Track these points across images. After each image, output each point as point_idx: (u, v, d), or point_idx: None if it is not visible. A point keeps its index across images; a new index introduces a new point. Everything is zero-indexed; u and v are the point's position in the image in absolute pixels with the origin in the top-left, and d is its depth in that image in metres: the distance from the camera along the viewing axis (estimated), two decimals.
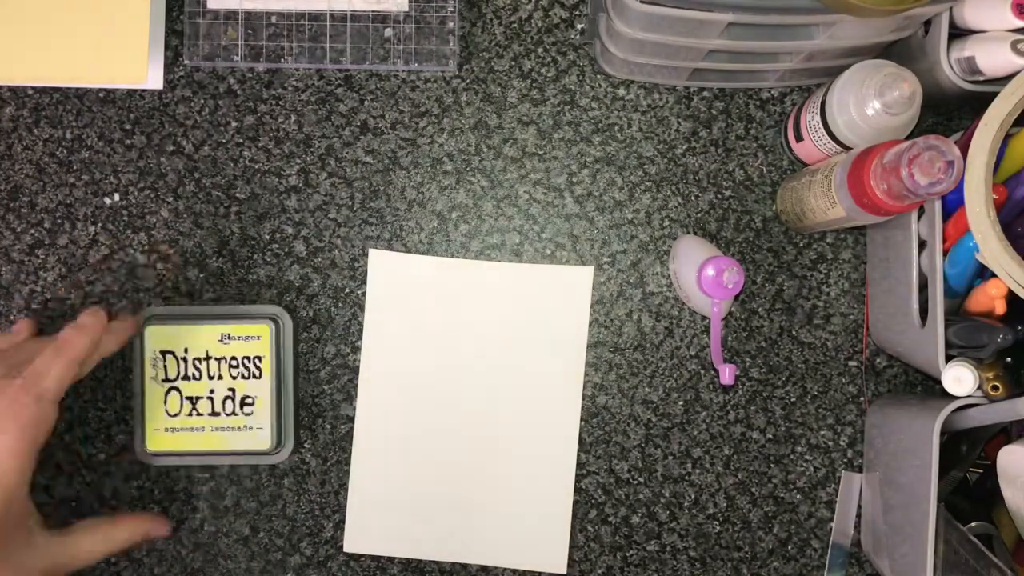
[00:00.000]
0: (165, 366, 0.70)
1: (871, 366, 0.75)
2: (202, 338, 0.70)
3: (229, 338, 0.70)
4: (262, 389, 0.70)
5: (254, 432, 0.70)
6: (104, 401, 0.74)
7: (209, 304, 0.74)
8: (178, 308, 0.73)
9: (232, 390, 0.70)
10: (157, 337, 0.70)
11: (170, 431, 0.70)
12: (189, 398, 0.70)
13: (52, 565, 0.62)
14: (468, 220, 0.75)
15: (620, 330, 0.75)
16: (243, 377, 0.70)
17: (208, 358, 0.70)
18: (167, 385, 0.70)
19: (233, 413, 0.70)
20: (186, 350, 0.70)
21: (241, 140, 0.75)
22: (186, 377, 0.70)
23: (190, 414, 0.70)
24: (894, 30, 0.65)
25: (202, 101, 0.75)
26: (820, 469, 0.75)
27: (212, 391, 0.70)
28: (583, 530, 0.75)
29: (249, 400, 0.70)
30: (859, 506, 0.75)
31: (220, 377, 0.70)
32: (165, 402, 0.70)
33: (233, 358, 0.70)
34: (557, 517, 0.74)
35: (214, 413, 0.70)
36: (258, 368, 0.70)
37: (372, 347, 0.74)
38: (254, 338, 0.70)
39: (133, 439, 0.72)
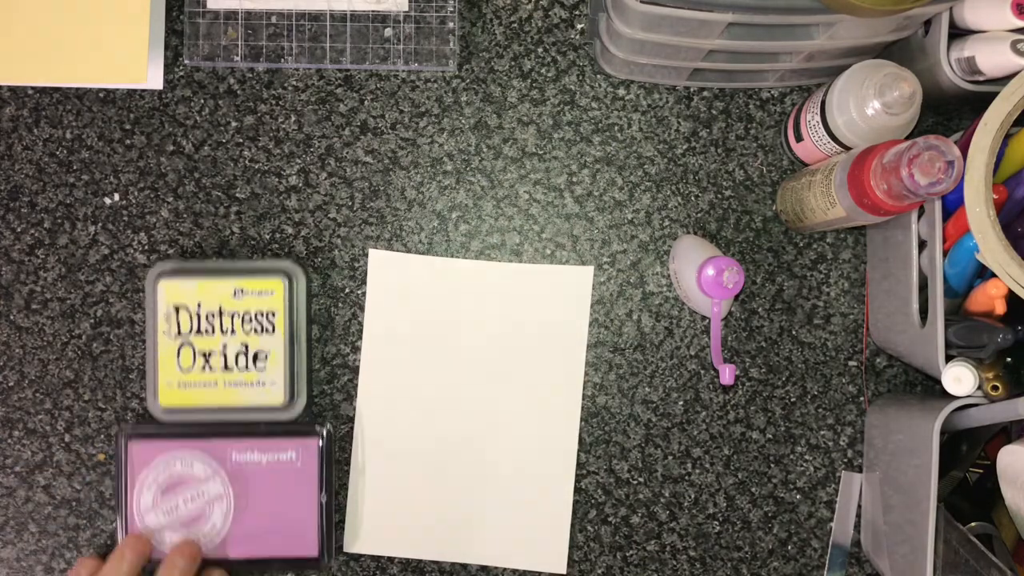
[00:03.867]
0: (178, 321, 0.70)
1: (871, 366, 0.75)
2: (216, 293, 0.70)
3: (243, 293, 0.70)
4: (275, 344, 0.70)
5: (267, 388, 0.70)
6: (104, 401, 0.74)
7: (223, 259, 0.74)
8: (192, 262, 0.73)
9: (245, 345, 0.70)
10: (170, 291, 0.70)
11: (182, 386, 0.70)
12: (202, 353, 0.70)
13: None
14: (468, 220, 0.75)
15: (620, 330, 0.75)
16: (256, 332, 0.70)
17: (221, 313, 0.70)
18: (180, 340, 0.70)
19: (246, 368, 0.70)
20: (199, 304, 0.70)
21: (241, 140, 0.75)
22: (199, 332, 0.70)
23: (203, 369, 0.70)
24: (894, 30, 0.65)
25: (202, 101, 0.75)
26: (820, 469, 0.75)
27: (225, 346, 0.70)
28: (583, 530, 0.75)
29: (262, 355, 0.70)
30: (859, 506, 0.75)
31: (233, 332, 0.70)
32: (178, 357, 0.70)
33: (247, 312, 0.70)
34: (557, 517, 0.74)
35: (227, 368, 0.70)
36: (271, 323, 0.70)
37: (372, 347, 0.74)
38: (268, 293, 0.70)
39: (145, 394, 0.72)
